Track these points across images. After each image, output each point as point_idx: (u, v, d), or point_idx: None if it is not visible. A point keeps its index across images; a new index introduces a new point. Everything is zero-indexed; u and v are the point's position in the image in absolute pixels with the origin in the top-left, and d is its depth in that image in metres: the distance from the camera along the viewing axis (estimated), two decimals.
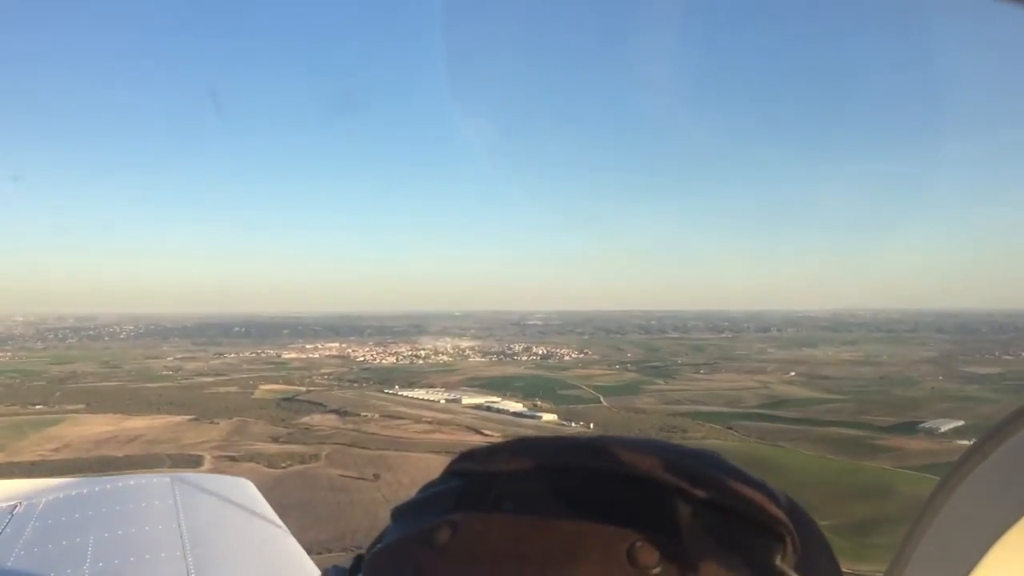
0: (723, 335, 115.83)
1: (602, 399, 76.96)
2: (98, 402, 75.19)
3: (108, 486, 4.25)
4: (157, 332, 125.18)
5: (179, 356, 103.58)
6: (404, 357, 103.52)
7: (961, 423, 60.09)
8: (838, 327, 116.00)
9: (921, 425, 62.13)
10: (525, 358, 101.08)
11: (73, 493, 4.17)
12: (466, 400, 76.07)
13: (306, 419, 70.63)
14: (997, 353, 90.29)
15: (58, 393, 79.00)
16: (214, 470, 58.21)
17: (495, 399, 76.26)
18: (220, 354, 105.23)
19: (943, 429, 59.97)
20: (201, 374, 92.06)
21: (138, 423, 68.69)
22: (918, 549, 1.32)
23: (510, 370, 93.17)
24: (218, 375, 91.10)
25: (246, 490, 4.49)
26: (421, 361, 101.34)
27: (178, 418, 70.77)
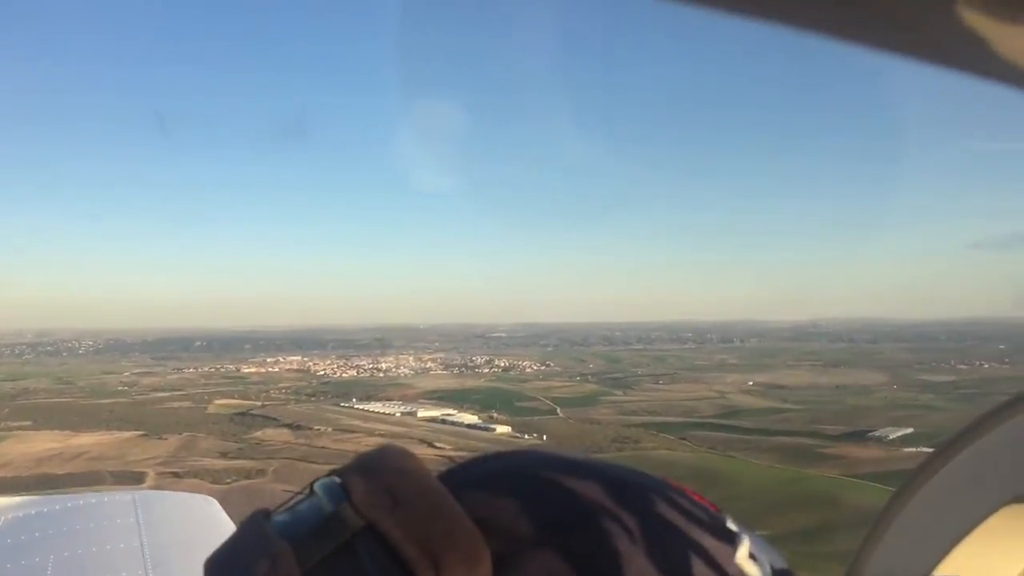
0: (686, 346, 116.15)
1: (559, 411, 76.78)
2: (46, 419, 73.85)
3: (69, 504, 4.17)
4: (117, 347, 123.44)
5: (136, 371, 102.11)
6: (365, 370, 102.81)
7: (910, 431, 60.52)
8: (800, 337, 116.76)
9: (871, 434, 62.48)
10: (486, 370, 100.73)
11: (33, 512, 4.08)
12: (422, 413, 75.60)
13: (258, 434, 69.86)
14: (952, 362, 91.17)
15: (6, 410, 77.52)
16: (156, 487, 57.09)
17: (451, 411, 75.87)
18: (179, 369, 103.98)
19: (891, 437, 60.36)
20: (157, 389, 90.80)
21: (85, 440, 67.51)
22: (876, 553, 1.33)
23: (470, 382, 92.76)
24: (174, 390, 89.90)
25: (209, 508, 4.53)
26: (382, 374, 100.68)
27: (127, 434, 69.65)
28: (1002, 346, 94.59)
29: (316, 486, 0.61)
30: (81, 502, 4.22)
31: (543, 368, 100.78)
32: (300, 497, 0.62)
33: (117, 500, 4.21)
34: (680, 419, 72.11)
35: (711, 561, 0.58)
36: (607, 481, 0.62)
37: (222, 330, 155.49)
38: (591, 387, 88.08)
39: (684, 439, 65.36)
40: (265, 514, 0.62)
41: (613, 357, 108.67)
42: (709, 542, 0.60)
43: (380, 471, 0.60)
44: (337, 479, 0.60)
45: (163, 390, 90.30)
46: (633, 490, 0.62)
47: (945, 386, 78.16)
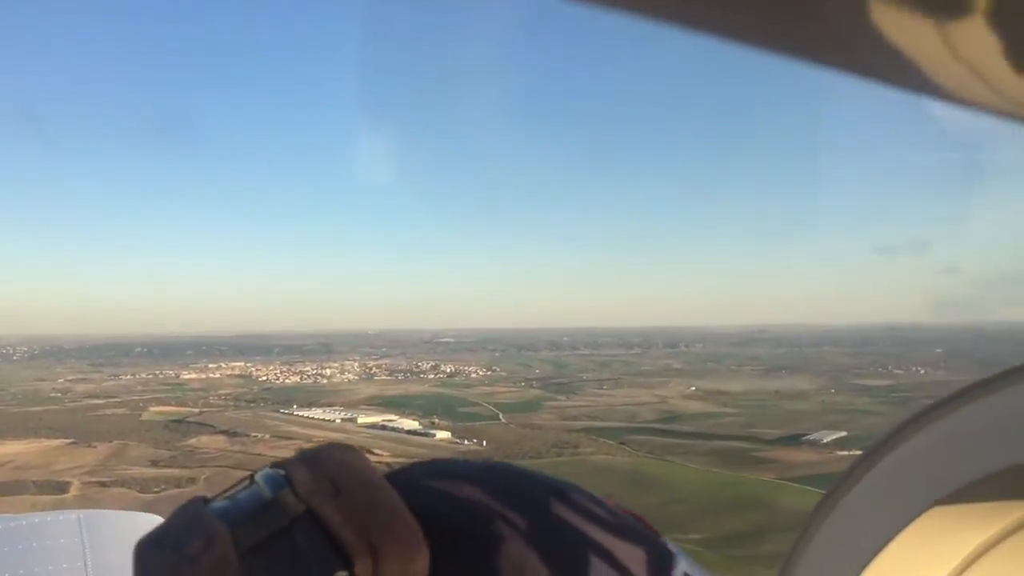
0: (632, 351, 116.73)
1: (501, 416, 76.42)
2: None
3: (12, 524, 3.59)
4: (53, 353, 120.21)
5: (71, 378, 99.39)
6: (308, 376, 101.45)
7: (844, 434, 61.32)
8: (744, 343, 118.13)
9: (805, 437, 63.20)
10: (432, 376, 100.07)
11: None
12: (362, 419, 74.60)
13: (192, 441, 68.26)
14: (889, 367, 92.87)
15: None
16: (81, 496, 55.65)
17: (392, 418, 74.99)
18: (115, 375, 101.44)
19: (825, 441, 61.08)
20: (91, 396, 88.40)
21: (10, 448, 65.31)
22: (805, 558, 1.34)
23: (414, 388, 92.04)
24: (108, 397, 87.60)
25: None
26: (326, 380, 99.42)
27: (56, 442, 67.53)
28: (939, 350, 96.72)
29: (257, 476, 0.61)
30: (24, 522, 3.84)
31: (489, 373, 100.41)
32: (240, 486, 0.61)
33: (61, 520, 3.82)
34: (620, 424, 72.26)
35: (613, 563, 0.58)
36: (490, 482, 0.63)
37: (165, 336, 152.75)
38: (535, 392, 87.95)
39: (623, 444, 65.42)
40: (203, 500, 0.61)
41: (560, 362, 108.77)
42: (611, 543, 0.59)
43: (324, 462, 0.60)
44: (280, 470, 0.60)
45: (98, 397, 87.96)
46: (519, 490, 0.63)
47: (881, 390, 79.53)
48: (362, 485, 0.58)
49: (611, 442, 65.83)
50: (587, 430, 69.96)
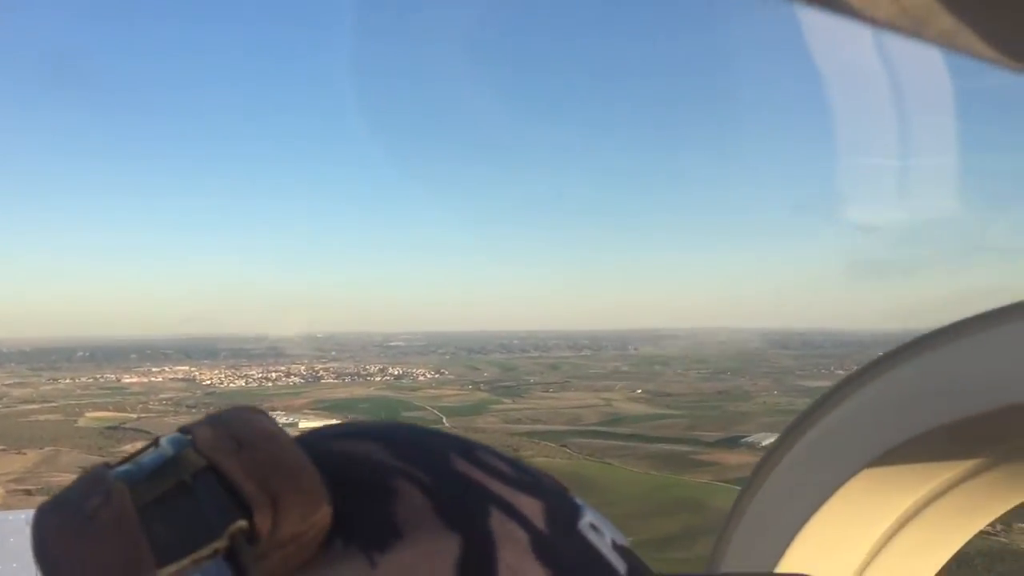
0: (582, 353, 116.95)
1: (445, 419, 75.87)
2: None
3: None
4: None
5: (8, 382, 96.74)
6: (254, 380, 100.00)
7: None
8: (693, 345, 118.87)
9: (743, 439, 63.70)
10: (379, 379, 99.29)
11: None
12: (303, 424, 73.28)
13: (127, 448, 65.88)
14: (832, 368, 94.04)
15: None
16: (4, 506, 54.20)
17: (334, 422, 73.83)
18: (54, 379, 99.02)
19: (763, 443, 61.54)
20: (27, 401, 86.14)
21: None
22: (738, 530, 1.37)
23: (360, 391, 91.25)
24: (44, 402, 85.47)
25: None
26: (271, 384, 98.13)
27: None
28: (880, 353, 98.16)
29: (162, 439, 0.60)
30: None
31: (436, 376, 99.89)
32: (146, 451, 0.61)
33: (11, 520, 3.89)
34: (564, 427, 72.31)
35: (513, 513, 0.58)
36: (387, 439, 0.63)
37: (109, 339, 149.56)
38: (482, 395, 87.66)
39: (564, 446, 65.45)
40: (106, 465, 0.61)
41: (509, 365, 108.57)
42: (511, 495, 0.59)
43: (229, 422, 0.60)
44: (187, 433, 0.60)
45: (33, 402, 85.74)
46: (416, 445, 0.64)
47: (821, 391, 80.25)
48: (265, 440, 0.58)
49: (553, 445, 65.82)
50: (530, 433, 69.88)
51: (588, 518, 0.62)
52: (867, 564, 1.29)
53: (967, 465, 1.20)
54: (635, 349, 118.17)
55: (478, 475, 0.61)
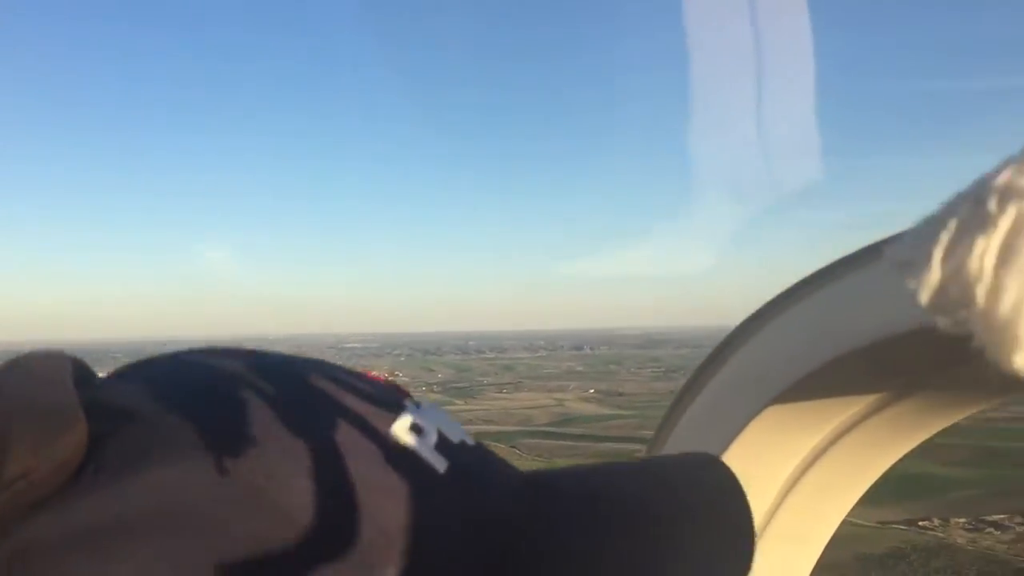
0: (538, 354, 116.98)
1: None
2: None
3: None
4: None
5: None
6: None
7: None
8: (647, 345, 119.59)
9: None
10: None
11: None
12: None
13: None
14: None
15: None
16: None
17: None
18: None
19: None
20: None
21: None
22: (675, 431, 1.33)
23: None
24: None
25: None
26: None
27: None
28: None
29: None
30: None
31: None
32: None
33: None
34: (515, 428, 71.92)
35: (364, 426, 0.57)
36: (251, 358, 0.62)
37: (58, 343, 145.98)
38: (434, 397, 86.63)
39: (514, 447, 65.07)
40: None
41: (463, 366, 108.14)
42: (365, 409, 0.58)
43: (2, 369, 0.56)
44: None
45: None
46: (276, 363, 0.63)
47: None
48: (25, 378, 0.55)
49: (503, 446, 65.27)
50: (481, 434, 68.48)
51: (405, 420, 0.59)
52: (777, 506, 1.29)
53: (868, 400, 1.19)
54: (591, 349, 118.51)
55: (331, 388, 0.60)
